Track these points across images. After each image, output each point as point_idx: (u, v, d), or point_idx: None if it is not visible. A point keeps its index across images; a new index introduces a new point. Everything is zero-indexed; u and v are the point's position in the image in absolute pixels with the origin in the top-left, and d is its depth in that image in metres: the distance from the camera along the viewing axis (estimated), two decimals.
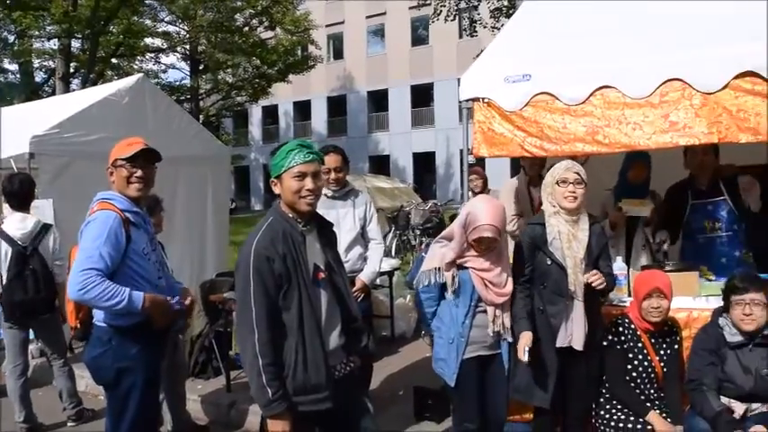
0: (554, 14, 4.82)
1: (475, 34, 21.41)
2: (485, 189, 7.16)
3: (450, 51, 32.01)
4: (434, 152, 34.47)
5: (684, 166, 4.46)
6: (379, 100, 37.18)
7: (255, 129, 41.94)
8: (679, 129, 3.70)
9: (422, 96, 35.19)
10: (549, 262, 3.36)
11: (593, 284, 3.33)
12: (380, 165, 34.81)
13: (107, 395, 3.18)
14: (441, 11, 20.40)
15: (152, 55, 27.18)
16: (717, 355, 3.36)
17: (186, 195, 7.38)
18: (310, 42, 28.34)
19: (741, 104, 3.61)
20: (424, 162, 34.83)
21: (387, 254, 9.62)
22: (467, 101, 4.22)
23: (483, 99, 4.13)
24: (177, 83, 27.87)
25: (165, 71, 28.08)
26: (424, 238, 11.49)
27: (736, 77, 3.61)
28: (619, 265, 4.01)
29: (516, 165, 5.84)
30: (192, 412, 4.88)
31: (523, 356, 3.22)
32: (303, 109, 39.82)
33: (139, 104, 6.95)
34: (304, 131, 38.68)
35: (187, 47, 26.70)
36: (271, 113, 40.77)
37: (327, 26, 35.73)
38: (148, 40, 25.76)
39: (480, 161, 5.71)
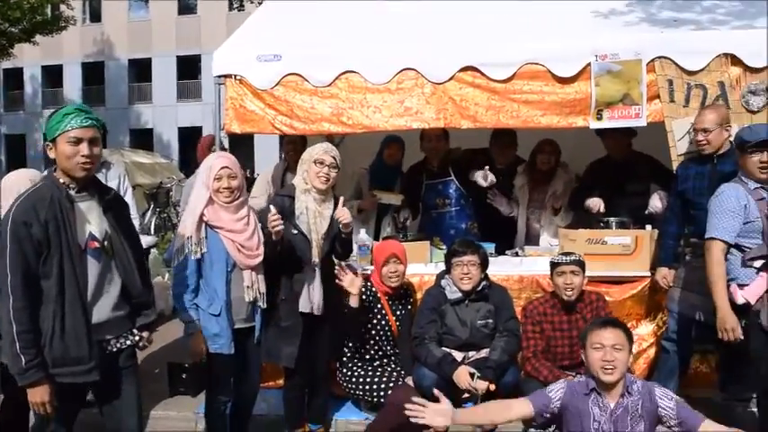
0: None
1: (242, 8, 21.11)
2: None
3: (219, 23, 31.08)
4: (201, 127, 33.43)
5: (420, 149, 4.95)
6: (141, 69, 34.94)
7: None
8: (412, 114, 4.19)
9: (189, 68, 33.80)
10: (294, 232, 3.55)
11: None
12: (143, 139, 32.87)
13: None
14: None
15: None
16: (437, 312, 3.86)
17: None
18: (61, 1, 25.69)
19: (464, 95, 4.18)
20: (191, 137, 33.58)
21: (145, 231, 9.28)
22: (219, 77, 4.29)
23: (235, 76, 4.24)
24: None
25: None
26: None
27: (461, 71, 4.16)
28: (362, 237, 4.39)
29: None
30: None
31: None
32: (54, 74, 36.00)
33: None
34: (55, 99, 34.99)
35: None
36: (14, 77, 36.21)
37: None
38: None
39: (249, 143, 5.70)
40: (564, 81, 4.11)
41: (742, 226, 3.23)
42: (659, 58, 4.04)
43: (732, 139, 3.65)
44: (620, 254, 4.21)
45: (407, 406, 2.70)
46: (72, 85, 35.92)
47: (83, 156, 2.56)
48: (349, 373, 3.95)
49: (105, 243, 2.66)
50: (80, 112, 2.59)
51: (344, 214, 3.57)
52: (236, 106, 4.27)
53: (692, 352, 3.96)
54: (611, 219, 4.36)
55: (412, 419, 2.70)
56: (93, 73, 35.52)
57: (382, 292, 3.98)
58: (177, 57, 33.96)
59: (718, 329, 3.27)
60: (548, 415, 2.75)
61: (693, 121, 3.81)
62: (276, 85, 4.22)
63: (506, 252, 4.72)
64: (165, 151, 29.46)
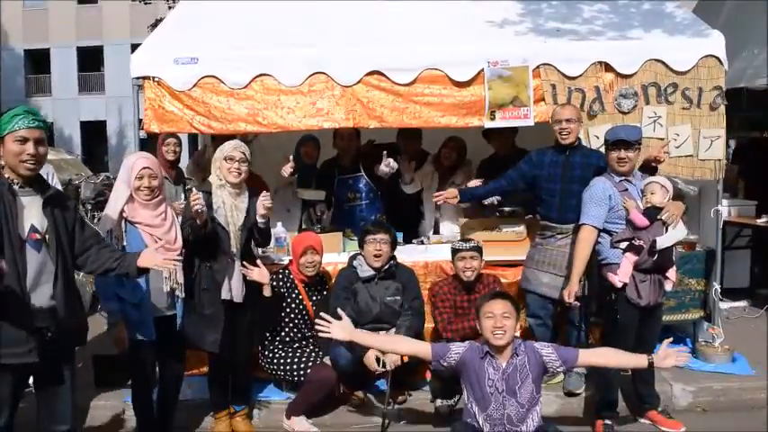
0: (221, 1, 5.27)
1: (149, 2, 20.63)
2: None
3: (122, 14, 30.06)
4: (105, 121, 32.32)
5: (333, 146, 5.27)
6: (39, 61, 33.36)
7: None
8: (324, 114, 4.52)
9: (90, 60, 32.56)
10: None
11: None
12: None
13: None
14: None
15: None
16: (350, 291, 4.21)
17: None
18: None
19: (371, 97, 4.54)
20: (95, 132, 32.43)
21: None
22: (137, 78, 4.45)
23: (153, 78, 4.42)
24: None
25: None
26: (96, 213, 11.02)
27: (367, 75, 4.52)
28: (279, 230, 4.67)
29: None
30: None
31: None
32: None
33: None
34: None
35: None
36: None
37: None
38: None
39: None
40: (460, 85, 4.54)
41: (608, 213, 3.76)
42: (544, 64, 4.53)
43: (581, 135, 4.28)
44: (514, 240, 4.69)
45: (317, 321, 3.22)
46: None
47: (28, 154, 2.76)
48: (270, 355, 4.24)
49: (46, 236, 2.84)
50: (28, 113, 2.79)
51: (264, 201, 3.81)
52: (154, 107, 4.45)
53: (554, 324, 4.37)
54: (506, 209, 4.83)
55: (321, 335, 3.20)
56: None
57: (299, 280, 4.28)
58: (78, 48, 32.60)
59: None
60: (444, 364, 3.19)
61: (554, 115, 4.22)
62: (193, 86, 4.44)
63: (413, 241, 5.12)
64: (67, 147, 28.21)
